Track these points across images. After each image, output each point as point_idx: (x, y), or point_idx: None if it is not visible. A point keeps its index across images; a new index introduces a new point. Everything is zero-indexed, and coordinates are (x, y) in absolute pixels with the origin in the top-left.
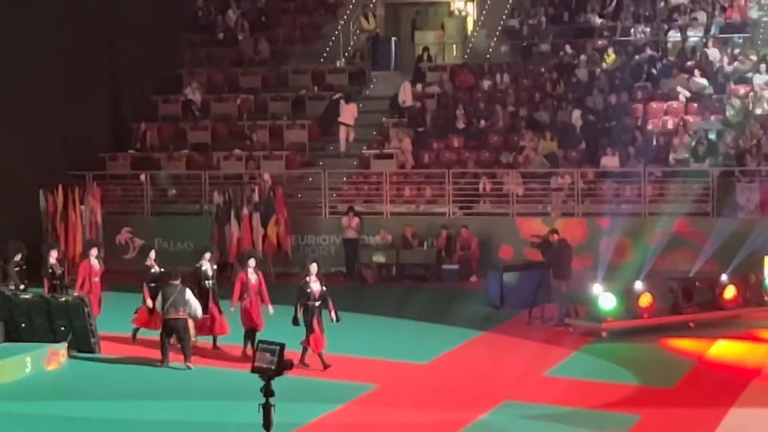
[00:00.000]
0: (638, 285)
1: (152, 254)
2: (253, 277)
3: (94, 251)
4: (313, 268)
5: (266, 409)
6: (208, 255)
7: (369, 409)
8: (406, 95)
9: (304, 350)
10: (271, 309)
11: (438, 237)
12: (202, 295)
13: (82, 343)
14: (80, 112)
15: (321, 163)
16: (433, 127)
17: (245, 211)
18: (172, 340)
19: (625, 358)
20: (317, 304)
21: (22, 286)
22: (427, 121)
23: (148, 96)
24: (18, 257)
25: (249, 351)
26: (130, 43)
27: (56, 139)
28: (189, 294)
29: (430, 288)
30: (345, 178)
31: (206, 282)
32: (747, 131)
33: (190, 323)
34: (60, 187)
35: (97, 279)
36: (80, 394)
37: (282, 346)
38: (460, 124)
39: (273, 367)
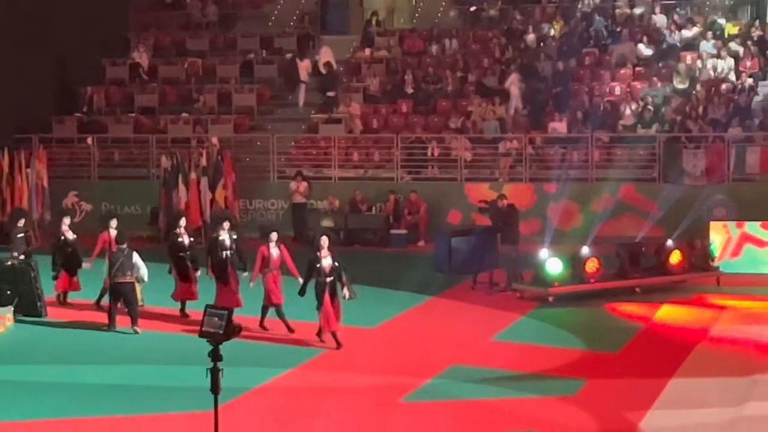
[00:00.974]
0: (585, 250)
1: (182, 222)
2: (275, 251)
3: (113, 222)
4: (324, 241)
5: (214, 373)
6: (227, 225)
7: (316, 373)
8: (323, 60)
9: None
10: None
11: (386, 202)
12: (218, 265)
13: (29, 307)
14: (26, 75)
15: (269, 127)
16: (382, 92)
17: (193, 175)
18: (120, 304)
19: (572, 323)
20: (328, 279)
21: (22, 256)
22: (375, 85)
23: (95, 59)
24: (21, 223)
25: (266, 323)
26: (76, 6)
27: (1, 102)
28: (136, 258)
29: (378, 253)
30: (293, 143)
31: (224, 252)
32: (693, 98)
33: (137, 287)
34: (5, 150)
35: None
36: (25, 358)
37: (230, 311)
38: (409, 89)
39: (221, 332)
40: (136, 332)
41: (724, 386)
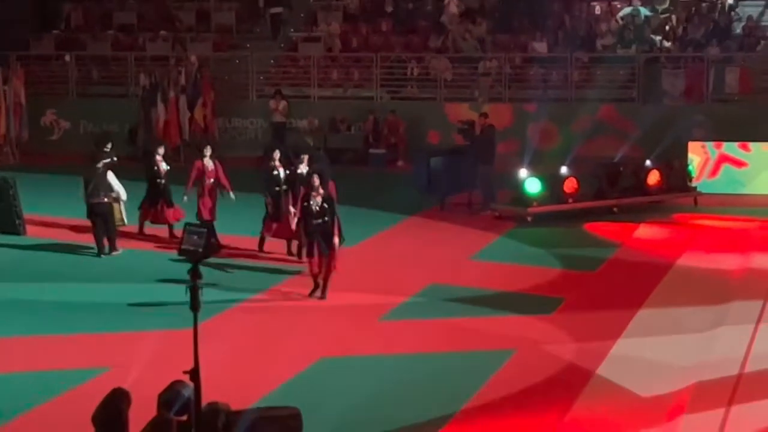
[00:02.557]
0: (564, 170)
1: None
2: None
3: (208, 150)
4: (315, 180)
5: (193, 291)
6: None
7: (296, 291)
8: None
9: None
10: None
11: (365, 121)
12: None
13: (7, 224)
14: None
15: (248, 45)
16: (362, 11)
17: (172, 93)
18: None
19: (550, 242)
20: (316, 222)
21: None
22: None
23: None
24: (108, 147)
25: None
26: None
27: None
28: (111, 177)
29: (356, 172)
30: (272, 61)
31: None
32: (673, 18)
33: (115, 207)
34: None
35: (211, 180)
36: (2, 275)
37: (210, 229)
38: (389, 8)
39: (200, 250)
40: (116, 251)
41: (699, 306)
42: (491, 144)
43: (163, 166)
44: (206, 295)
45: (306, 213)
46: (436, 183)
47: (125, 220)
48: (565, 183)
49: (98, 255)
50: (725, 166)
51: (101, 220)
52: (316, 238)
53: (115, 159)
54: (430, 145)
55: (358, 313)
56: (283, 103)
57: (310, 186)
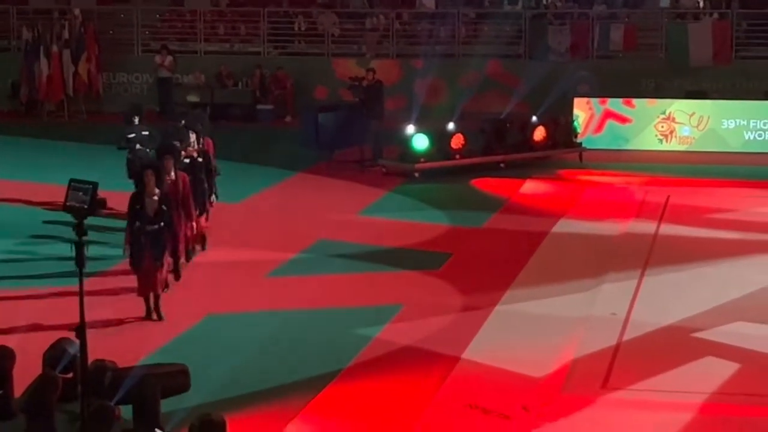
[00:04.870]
0: (451, 126)
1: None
2: None
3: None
4: (149, 177)
5: (79, 247)
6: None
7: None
8: None
9: None
10: None
11: (252, 77)
12: None
13: None
14: None
15: None
16: None
17: (55, 47)
18: None
19: (437, 198)
20: (149, 228)
21: None
22: None
23: None
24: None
25: None
26: None
27: None
28: None
29: (244, 128)
30: (158, 15)
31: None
32: None
33: None
34: None
35: None
36: None
37: (95, 185)
38: None
39: (86, 206)
40: None
41: (584, 260)
42: (379, 100)
43: None
44: (91, 251)
45: (138, 217)
46: (324, 139)
47: None
48: (452, 139)
49: None
50: (610, 122)
51: None
52: (146, 248)
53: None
54: (319, 101)
55: (246, 269)
56: (169, 58)
57: (148, 179)
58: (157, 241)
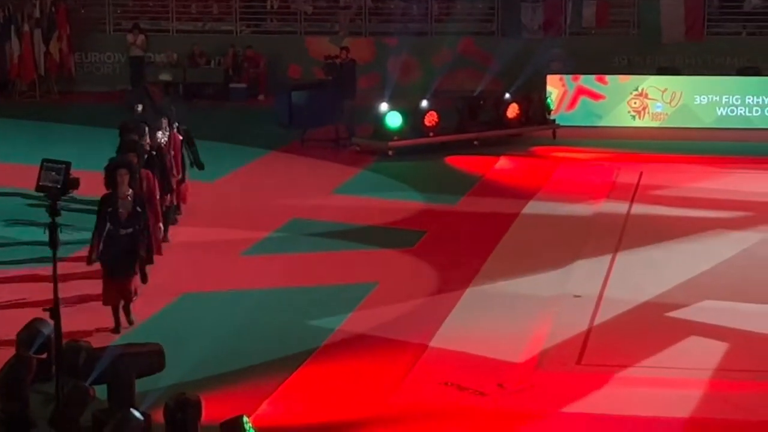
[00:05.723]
0: (424, 104)
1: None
2: None
3: None
4: (122, 175)
5: (52, 228)
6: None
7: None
8: None
9: None
10: None
11: (225, 56)
12: None
13: None
14: None
15: None
16: None
17: (26, 27)
18: None
19: (411, 176)
20: (123, 232)
21: None
22: None
23: None
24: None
25: None
26: None
27: None
28: None
29: (217, 107)
30: None
31: None
32: None
33: None
34: None
35: None
36: None
37: (68, 165)
38: None
39: (59, 186)
40: None
41: (558, 238)
42: (352, 78)
43: None
44: (64, 233)
45: (110, 220)
46: (298, 117)
47: None
48: (426, 117)
49: None
50: (583, 99)
51: None
52: (120, 254)
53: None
54: (292, 80)
55: (220, 248)
56: (141, 37)
57: (121, 178)
58: (131, 246)
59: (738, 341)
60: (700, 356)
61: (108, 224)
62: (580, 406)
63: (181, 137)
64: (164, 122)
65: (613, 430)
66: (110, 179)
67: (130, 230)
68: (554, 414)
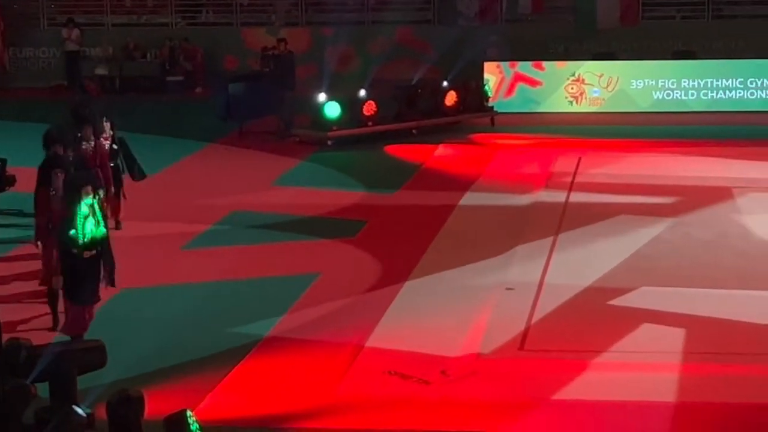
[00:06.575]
0: (362, 93)
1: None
2: None
3: None
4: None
5: None
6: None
7: None
8: None
9: None
10: None
11: (161, 49)
12: None
13: None
14: None
15: None
16: None
17: None
18: None
19: (351, 165)
20: (87, 255)
21: None
22: None
23: None
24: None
25: None
26: None
27: None
28: None
29: (154, 100)
30: None
31: None
32: None
33: None
34: None
35: None
36: None
37: (3, 162)
38: None
39: None
40: None
41: (498, 225)
42: (290, 69)
43: None
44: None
45: (73, 242)
46: (236, 109)
47: None
48: (364, 106)
49: None
50: (520, 86)
51: None
52: (85, 278)
53: None
54: (229, 71)
55: (160, 242)
56: (75, 32)
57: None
58: (94, 269)
59: (693, 326)
60: (662, 342)
61: (72, 247)
62: (523, 391)
63: (111, 145)
64: (106, 126)
65: (555, 414)
66: (73, 195)
67: (93, 252)
68: (498, 400)
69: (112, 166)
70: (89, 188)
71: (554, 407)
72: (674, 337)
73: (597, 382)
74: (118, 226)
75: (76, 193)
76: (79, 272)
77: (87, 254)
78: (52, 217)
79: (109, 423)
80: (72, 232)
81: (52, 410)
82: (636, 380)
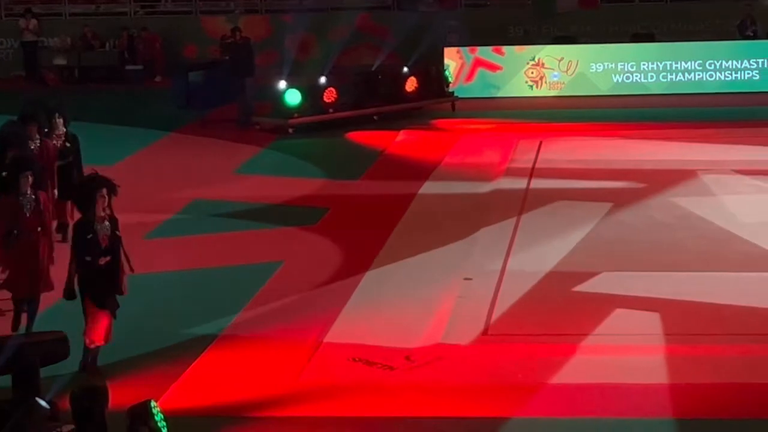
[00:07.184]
0: (323, 80)
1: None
2: None
3: None
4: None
5: None
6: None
7: None
8: None
9: None
10: None
11: (120, 38)
12: None
13: None
14: None
15: None
16: None
17: None
18: None
19: (312, 152)
20: (103, 261)
21: None
22: None
23: None
24: None
25: None
26: None
27: None
28: None
29: (113, 90)
30: None
31: None
32: None
33: None
34: None
35: None
36: None
37: None
38: None
39: None
40: None
41: (460, 210)
42: (249, 56)
43: None
44: None
45: (89, 247)
46: (196, 98)
47: None
48: (325, 93)
49: None
50: (480, 70)
51: None
52: (105, 286)
53: None
54: (188, 60)
55: (122, 232)
56: (33, 22)
57: (101, 198)
58: (112, 276)
59: (666, 309)
60: (640, 325)
61: (86, 255)
62: (489, 375)
63: (65, 143)
64: (59, 122)
65: (509, 397)
66: (86, 199)
67: (108, 259)
68: (463, 384)
69: (60, 165)
70: (105, 191)
71: (524, 390)
72: (651, 321)
73: (574, 365)
74: (59, 229)
75: (89, 194)
76: (98, 280)
77: (103, 261)
78: (19, 224)
79: (73, 414)
80: (89, 235)
81: (15, 402)
82: (617, 363)
